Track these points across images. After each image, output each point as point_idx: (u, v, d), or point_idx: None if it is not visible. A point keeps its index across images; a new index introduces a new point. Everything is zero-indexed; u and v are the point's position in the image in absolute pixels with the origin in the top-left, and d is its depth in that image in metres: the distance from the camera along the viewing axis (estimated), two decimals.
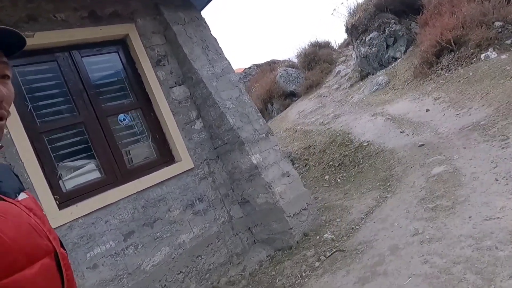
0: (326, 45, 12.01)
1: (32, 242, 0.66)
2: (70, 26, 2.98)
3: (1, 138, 0.73)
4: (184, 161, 3.35)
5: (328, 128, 6.64)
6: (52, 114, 2.84)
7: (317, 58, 10.91)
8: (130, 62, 3.36)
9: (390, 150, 4.64)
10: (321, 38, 15.15)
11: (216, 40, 3.79)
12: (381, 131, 5.35)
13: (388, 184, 3.84)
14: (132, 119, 3.26)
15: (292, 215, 3.23)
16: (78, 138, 2.93)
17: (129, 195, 2.90)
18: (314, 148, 5.95)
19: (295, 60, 12.09)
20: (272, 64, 13.57)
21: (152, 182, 3.06)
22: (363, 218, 3.29)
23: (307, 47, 11.59)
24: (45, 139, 2.76)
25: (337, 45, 12.46)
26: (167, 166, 3.28)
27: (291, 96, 10.67)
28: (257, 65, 14.78)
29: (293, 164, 5.53)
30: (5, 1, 2.71)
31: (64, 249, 0.78)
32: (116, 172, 3.01)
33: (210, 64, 3.57)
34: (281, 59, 14.16)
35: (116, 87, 3.26)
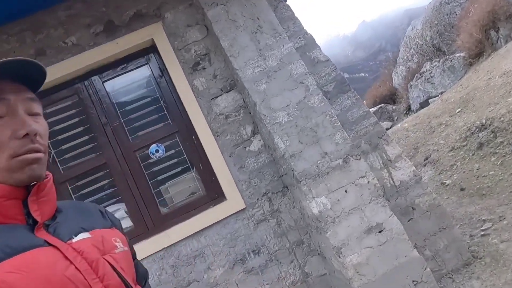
0: None
1: None
2: (83, 50, 2.79)
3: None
4: (231, 199, 2.75)
5: None
6: (75, 158, 2.84)
7: None
8: (166, 73, 2.95)
9: None
10: None
11: (273, 15, 2.82)
12: None
13: None
14: (169, 147, 2.90)
15: None
16: (105, 182, 2.84)
17: (154, 253, 2.63)
18: None
19: None
20: None
21: (183, 234, 2.67)
22: None
23: None
24: (69, 188, 2.79)
25: None
26: (214, 206, 2.80)
27: None
28: None
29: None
30: (13, 42, 2.76)
31: None
32: (147, 220, 2.76)
33: (261, 55, 2.70)
34: None
35: (150, 109, 2.92)
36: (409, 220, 2.83)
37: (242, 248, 2.72)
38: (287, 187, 2.80)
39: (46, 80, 2.72)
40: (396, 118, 12.37)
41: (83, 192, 2.80)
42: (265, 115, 2.50)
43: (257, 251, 2.73)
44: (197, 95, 2.84)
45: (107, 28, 2.85)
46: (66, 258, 0.74)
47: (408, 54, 13.05)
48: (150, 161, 2.86)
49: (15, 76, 0.78)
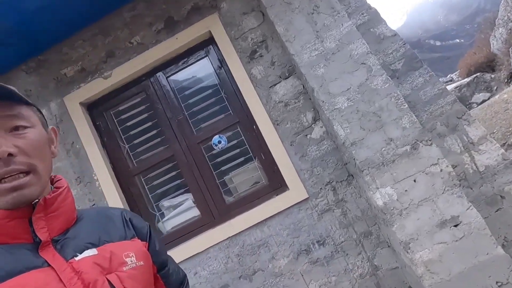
0: None
1: None
2: (146, 48, 2.93)
3: (46, 188, 0.80)
4: (293, 189, 2.70)
5: None
6: (146, 152, 3.02)
7: None
8: (224, 64, 2.97)
9: None
10: None
11: None
12: None
13: None
14: (231, 138, 2.94)
15: None
16: (173, 173, 2.99)
17: (220, 242, 2.71)
18: None
19: None
20: None
21: (247, 224, 2.70)
22: None
23: None
24: (142, 179, 2.99)
25: None
26: (276, 196, 2.79)
27: None
28: None
29: None
30: (87, 46, 3.00)
31: None
32: (213, 210, 2.86)
33: (318, 37, 2.55)
34: None
35: (211, 101, 2.98)
36: (496, 211, 2.50)
37: (306, 238, 2.68)
38: (352, 176, 2.67)
39: (119, 79, 2.96)
40: (495, 88, 10.98)
41: (154, 183, 3.01)
42: (323, 101, 2.38)
43: (322, 242, 2.67)
44: (255, 84, 2.82)
45: (167, 24, 2.96)
46: (60, 280, 0.73)
47: (509, 14, 11.38)
48: (214, 152, 2.95)
49: None
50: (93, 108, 3.07)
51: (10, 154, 0.74)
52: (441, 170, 2.11)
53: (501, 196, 2.52)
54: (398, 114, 2.27)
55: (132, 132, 3.02)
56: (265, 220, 2.72)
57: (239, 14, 2.90)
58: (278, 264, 2.68)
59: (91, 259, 0.80)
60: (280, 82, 2.82)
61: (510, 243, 2.48)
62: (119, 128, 3.03)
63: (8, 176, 0.73)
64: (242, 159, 2.94)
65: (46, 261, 0.75)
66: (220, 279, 2.72)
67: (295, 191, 2.70)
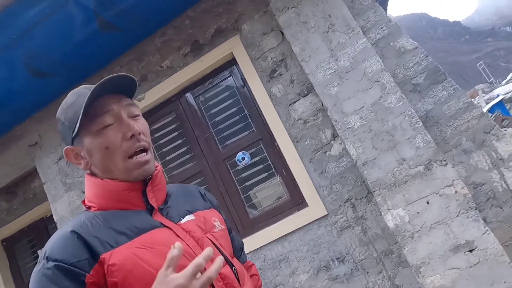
0: None
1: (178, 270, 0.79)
2: (175, 71, 3.13)
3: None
4: (313, 206, 2.72)
5: None
6: (177, 168, 3.22)
7: None
8: (246, 83, 3.07)
9: None
10: None
11: (346, 9, 2.59)
12: None
13: None
14: (254, 154, 3.02)
15: None
16: None
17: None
18: None
19: None
20: None
21: (269, 238, 2.77)
22: None
23: None
24: None
25: None
26: (298, 211, 2.83)
27: None
28: None
29: None
30: (124, 71, 3.27)
31: (232, 266, 0.99)
32: (237, 224, 2.97)
33: (332, 55, 2.55)
34: None
35: (236, 119, 3.10)
36: None
37: (326, 255, 2.70)
38: (372, 193, 2.64)
39: (151, 101, 3.22)
40: None
41: None
42: (336, 121, 2.40)
43: (341, 259, 2.67)
44: (275, 103, 2.90)
45: (193, 48, 3.15)
46: (178, 236, 0.93)
47: None
48: (238, 168, 3.08)
49: (114, 89, 0.98)
50: None
51: (139, 133, 0.96)
52: (456, 192, 2.03)
53: None
54: (412, 133, 2.22)
55: (164, 150, 3.26)
56: (286, 235, 2.79)
57: (259, 34, 3.00)
58: (299, 279, 2.74)
59: (194, 222, 1.00)
60: (299, 99, 2.87)
61: None
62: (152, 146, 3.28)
63: (138, 151, 0.96)
64: (265, 174, 3.03)
65: (161, 223, 0.95)
66: None
67: (314, 208, 2.73)
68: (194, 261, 0.74)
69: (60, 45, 2.94)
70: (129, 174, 0.94)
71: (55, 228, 3.59)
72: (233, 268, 0.99)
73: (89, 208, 0.99)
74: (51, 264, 0.81)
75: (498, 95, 14.70)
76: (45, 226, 4.74)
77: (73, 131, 0.95)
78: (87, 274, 0.81)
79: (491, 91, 21.75)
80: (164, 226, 0.93)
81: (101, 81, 0.92)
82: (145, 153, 0.96)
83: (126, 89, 1.00)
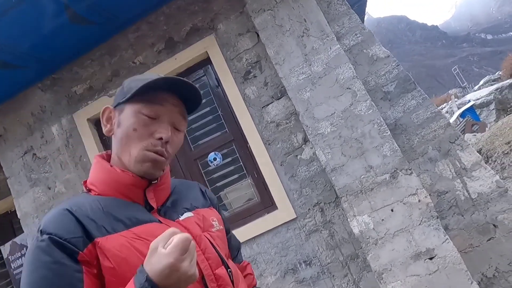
0: None
1: None
2: (148, 68, 3.08)
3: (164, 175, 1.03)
4: (282, 209, 2.74)
5: None
6: None
7: None
8: (221, 83, 3.05)
9: None
10: None
11: (321, 15, 2.61)
12: None
13: None
14: (226, 155, 3.02)
15: None
16: None
17: None
18: None
19: None
20: None
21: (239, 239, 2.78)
22: None
23: None
24: None
25: None
26: (267, 214, 2.84)
27: None
28: None
29: None
30: (95, 66, 3.20)
31: (228, 268, 0.98)
32: None
33: (306, 60, 2.57)
34: None
35: (209, 119, 3.08)
36: (488, 240, 2.43)
37: (293, 258, 2.73)
38: (340, 198, 2.68)
39: None
40: None
41: None
42: (307, 126, 2.42)
43: (308, 262, 2.71)
44: (248, 104, 2.89)
45: (168, 45, 3.09)
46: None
47: None
48: (210, 168, 3.06)
49: (182, 94, 0.98)
50: (100, 124, 3.27)
51: (167, 142, 0.96)
52: (419, 201, 2.09)
53: (494, 225, 2.44)
54: (380, 141, 2.26)
55: None
56: (255, 237, 2.80)
57: (235, 35, 2.98)
58: (266, 281, 2.76)
59: (192, 219, 1.00)
60: (272, 102, 2.87)
61: (502, 274, 2.40)
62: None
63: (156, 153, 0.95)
64: (236, 176, 3.02)
65: (159, 220, 0.94)
66: None
67: (284, 211, 2.75)
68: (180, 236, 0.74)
69: (28, 36, 2.83)
70: (137, 164, 0.94)
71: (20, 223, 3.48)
72: (228, 270, 0.99)
73: (89, 190, 0.99)
74: (45, 236, 0.82)
75: (469, 101, 15.20)
76: (10, 220, 4.59)
77: (124, 97, 0.97)
78: (80, 252, 0.82)
79: (463, 96, 22.47)
80: (161, 223, 0.94)
81: (179, 78, 0.95)
82: (162, 157, 0.95)
83: (191, 103, 1.01)
